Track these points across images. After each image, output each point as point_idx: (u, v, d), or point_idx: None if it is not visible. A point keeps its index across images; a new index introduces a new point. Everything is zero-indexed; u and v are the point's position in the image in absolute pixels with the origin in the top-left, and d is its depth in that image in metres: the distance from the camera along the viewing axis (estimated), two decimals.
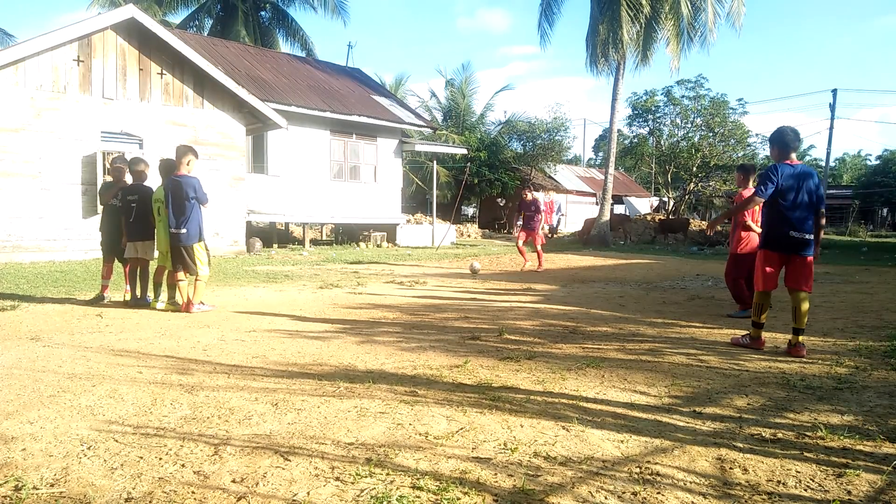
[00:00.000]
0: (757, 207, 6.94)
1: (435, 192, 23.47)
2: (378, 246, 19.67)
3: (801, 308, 5.17)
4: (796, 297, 5.22)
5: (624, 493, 2.52)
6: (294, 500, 2.42)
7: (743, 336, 5.56)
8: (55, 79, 12.62)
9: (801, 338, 5.16)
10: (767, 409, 3.65)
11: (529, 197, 12.79)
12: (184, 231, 6.84)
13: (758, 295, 5.40)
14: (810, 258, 5.24)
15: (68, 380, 4.10)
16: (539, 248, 12.76)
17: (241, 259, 14.11)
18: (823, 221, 5.34)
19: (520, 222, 13.04)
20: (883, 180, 49.37)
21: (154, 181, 7.64)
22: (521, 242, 12.90)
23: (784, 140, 5.25)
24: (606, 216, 22.89)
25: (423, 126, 22.51)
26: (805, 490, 2.59)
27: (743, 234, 7.11)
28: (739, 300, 7.26)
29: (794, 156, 5.27)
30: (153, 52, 13.86)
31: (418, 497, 2.45)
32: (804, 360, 4.93)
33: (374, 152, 20.15)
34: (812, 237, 5.21)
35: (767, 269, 5.31)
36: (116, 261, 7.73)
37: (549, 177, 37.07)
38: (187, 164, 6.96)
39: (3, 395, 3.76)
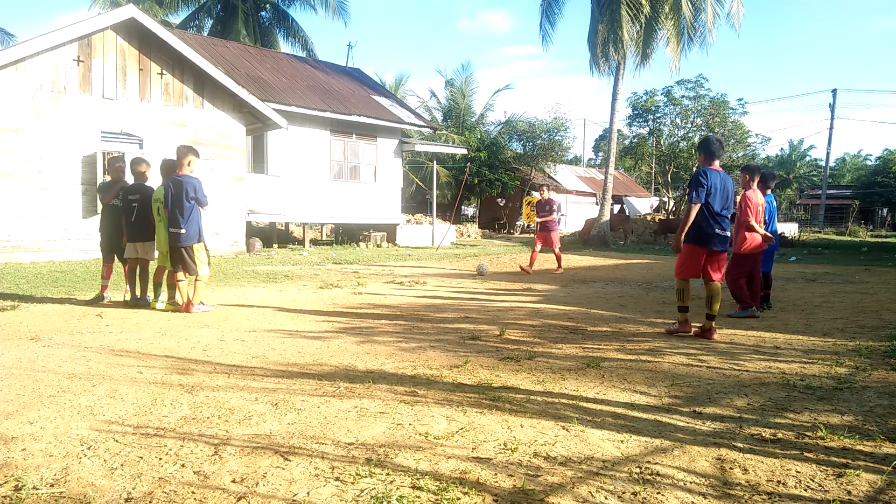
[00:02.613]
0: (760, 208, 7.04)
1: (435, 192, 23.46)
2: (378, 246, 19.67)
3: (715, 297, 5.80)
4: (712, 287, 5.83)
5: (624, 493, 2.52)
6: (294, 500, 2.42)
7: (672, 323, 5.95)
8: (55, 79, 12.61)
9: (713, 323, 5.79)
10: (767, 409, 3.65)
11: (546, 195, 12.63)
12: (183, 231, 6.83)
13: (680, 282, 5.93)
14: (725, 253, 5.93)
15: (68, 380, 4.10)
16: (557, 250, 12.60)
17: (241, 259, 14.11)
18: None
19: (534, 226, 12.84)
20: (883, 180, 49.39)
21: (155, 181, 7.64)
22: (538, 248, 12.67)
23: (710, 148, 5.85)
24: (606, 216, 22.89)
25: (423, 126, 22.52)
26: (805, 490, 2.59)
27: (746, 234, 7.11)
28: (739, 300, 7.26)
29: (717, 163, 5.85)
30: (153, 52, 13.86)
31: (418, 497, 2.45)
32: (804, 360, 4.93)
33: (374, 152, 20.15)
34: (730, 234, 5.90)
35: (693, 261, 5.84)
36: (117, 260, 7.73)
37: (549, 177, 37.05)
38: (188, 165, 6.96)
39: (3, 395, 3.76)
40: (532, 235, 29.31)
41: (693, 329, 5.92)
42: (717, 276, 5.86)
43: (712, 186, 5.67)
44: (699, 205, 5.67)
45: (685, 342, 5.68)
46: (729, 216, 5.86)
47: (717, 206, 5.70)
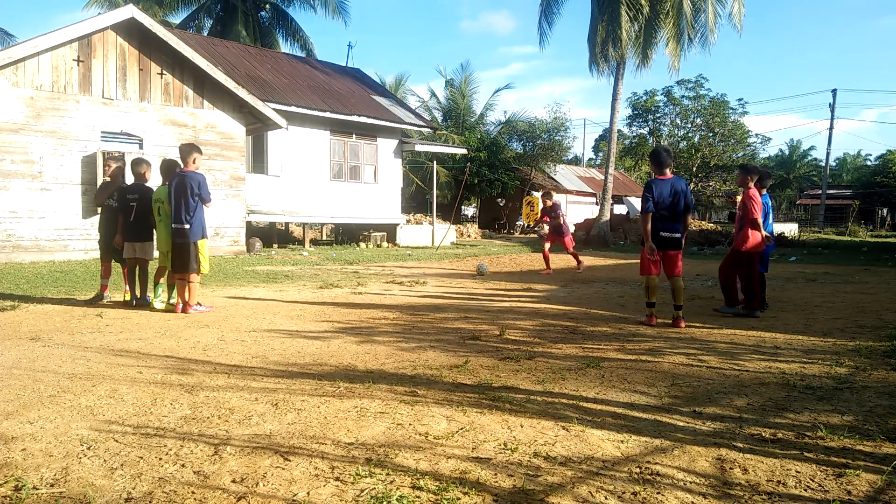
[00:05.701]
0: (757, 207, 7.08)
1: (435, 192, 23.46)
2: (378, 246, 19.67)
3: (678, 289, 6.41)
4: (674, 282, 6.44)
5: (624, 493, 2.52)
6: (294, 500, 2.42)
7: (645, 317, 6.57)
8: (55, 79, 12.62)
9: (680, 313, 6.42)
10: (767, 409, 3.65)
11: (549, 203, 12.89)
12: (188, 227, 6.83)
13: (648, 279, 6.51)
14: (679, 252, 6.47)
15: (68, 380, 4.10)
16: (572, 250, 12.82)
17: (241, 259, 14.10)
18: (689, 221, 6.65)
19: (546, 229, 13.15)
20: (883, 180, 49.43)
21: (155, 182, 7.64)
22: (547, 247, 12.92)
23: (659, 159, 6.49)
24: (606, 216, 22.90)
25: (423, 126, 22.50)
26: (805, 490, 2.59)
27: (749, 232, 7.11)
28: (726, 295, 7.29)
29: (668, 171, 6.44)
30: (153, 52, 13.86)
31: (418, 497, 2.45)
32: (804, 360, 4.93)
33: (374, 152, 20.15)
34: (679, 235, 6.42)
35: (652, 261, 6.46)
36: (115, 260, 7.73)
37: (549, 177, 37.07)
38: (193, 163, 6.98)
39: (3, 395, 3.76)
40: (532, 236, 29.32)
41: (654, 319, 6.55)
42: (677, 272, 6.47)
43: (660, 195, 6.33)
44: (650, 213, 6.35)
45: (685, 342, 5.68)
46: (679, 218, 6.38)
47: (664, 210, 6.34)
